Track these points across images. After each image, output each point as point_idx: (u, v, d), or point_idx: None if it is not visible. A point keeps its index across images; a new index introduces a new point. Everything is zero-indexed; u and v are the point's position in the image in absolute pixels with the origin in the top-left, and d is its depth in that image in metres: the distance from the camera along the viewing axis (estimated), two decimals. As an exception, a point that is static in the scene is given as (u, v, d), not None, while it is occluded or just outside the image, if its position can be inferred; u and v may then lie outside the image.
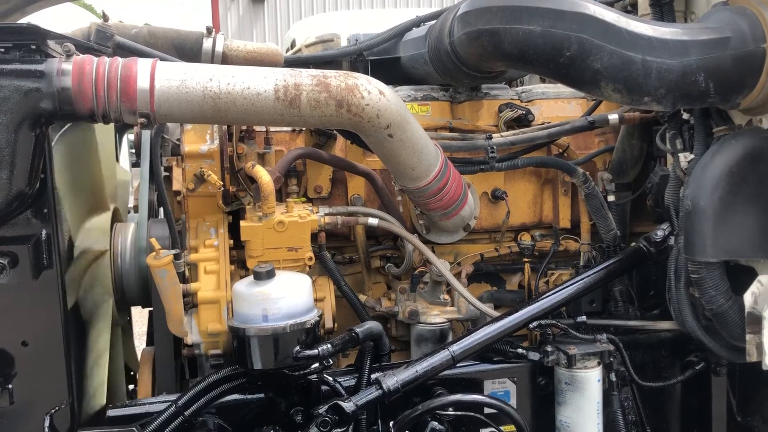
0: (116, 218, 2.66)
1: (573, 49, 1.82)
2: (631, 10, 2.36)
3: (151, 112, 1.79)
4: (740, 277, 1.98)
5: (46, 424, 1.84)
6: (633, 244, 2.39)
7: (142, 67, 1.79)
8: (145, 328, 3.08)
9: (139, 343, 3.26)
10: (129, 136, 3.39)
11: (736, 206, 1.91)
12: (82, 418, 2.01)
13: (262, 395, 1.99)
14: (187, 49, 2.32)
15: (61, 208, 1.98)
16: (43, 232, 1.85)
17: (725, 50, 1.82)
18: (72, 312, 2.07)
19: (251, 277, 1.93)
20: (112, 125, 2.88)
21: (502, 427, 2.07)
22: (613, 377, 2.16)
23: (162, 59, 1.91)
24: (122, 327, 2.63)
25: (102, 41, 2.02)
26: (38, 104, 1.70)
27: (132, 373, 2.85)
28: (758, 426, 2.43)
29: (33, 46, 1.73)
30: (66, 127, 2.11)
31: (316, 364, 1.91)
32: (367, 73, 2.25)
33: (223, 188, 2.21)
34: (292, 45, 3.65)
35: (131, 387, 2.80)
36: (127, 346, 2.79)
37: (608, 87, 1.85)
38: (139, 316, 3.40)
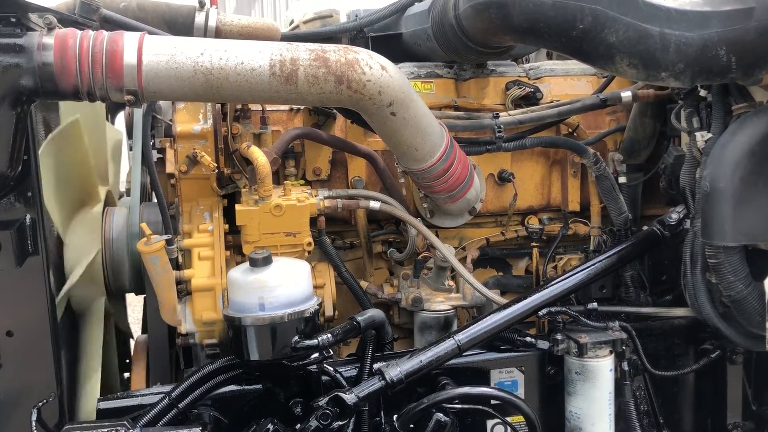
0: (109, 201, 2.58)
1: (586, 21, 1.74)
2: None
3: (139, 89, 1.69)
4: (758, 262, 1.91)
5: (34, 417, 1.77)
6: (645, 227, 2.31)
7: (128, 41, 1.69)
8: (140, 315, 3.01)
9: (135, 328, 3.19)
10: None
11: (757, 187, 1.83)
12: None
13: (260, 386, 1.92)
14: (179, 24, 2.22)
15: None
16: (27, 216, 1.77)
17: (749, 22, 1.72)
18: (60, 301, 1.99)
19: (247, 264, 1.85)
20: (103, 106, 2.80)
21: (510, 418, 2.00)
22: (625, 366, 2.08)
23: (151, 33, 1.81)
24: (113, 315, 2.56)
25: (87, 14, 1.91)
26: (18, 81, 1.61)
27: (127, 360, 2.78)
28: (774, 415, 2.36)
29: (12, 19, 1.63)
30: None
31: (316, 355, 1.83)
32: (367, 50, 2.16)
33: (217, 170, 2.13)
34: (291, 24, 3.56)
35: (126, 375, 2.73)
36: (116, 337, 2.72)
37: (623, 62, 1.76)
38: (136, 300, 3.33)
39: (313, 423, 1.77)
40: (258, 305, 1.80)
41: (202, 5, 2.24)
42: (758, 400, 2.35)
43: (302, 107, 2.35)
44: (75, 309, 2.26)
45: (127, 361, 2.79)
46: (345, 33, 2.59)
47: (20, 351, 1.80)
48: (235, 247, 2.23)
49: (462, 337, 1.99)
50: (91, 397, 2.07)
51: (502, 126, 2.35)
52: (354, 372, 1.95)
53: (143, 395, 1.93)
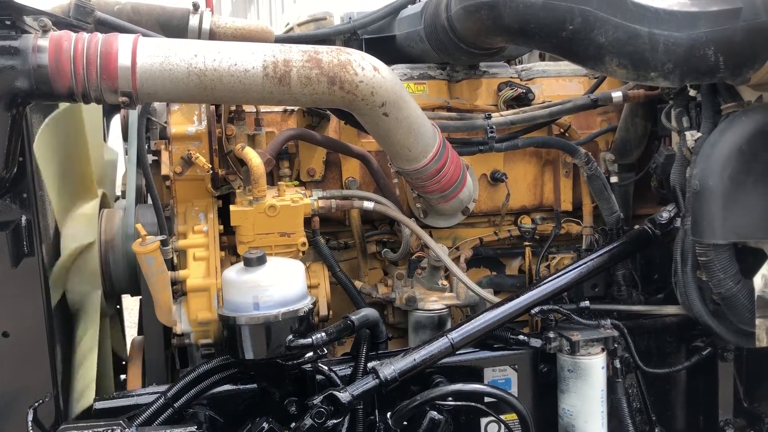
0: (104, 204, 2.59)
1: (576, 22, 1.76)
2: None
3: (134, 90, 1.70)
4: (748, 259, 1.93)
5: (30, 417, 1.77)
6: (636, 226, 2.32)
7: (123, 43, 1.70)
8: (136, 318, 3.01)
9: (131, 331, 3.19)
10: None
11: (746, 186, 1.85)
12: (69, 417, 1.95)
13: (255, 386, 1.93)
14: (172, 27, 2.23)
15: (44, 194, 1.90)
16: (23, 218, 1.77)
17: (736, 22, 1.74)
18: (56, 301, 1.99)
19: (241, 264, 1.86)
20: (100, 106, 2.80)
21: (503, 416, 2.01)
22: (617, 364, 2.10)
23: (145, 35, 1.82)
24: (110, 316, 2.56)
25: (82, 17, 1.92)
26: (13, 83, 1.63)
27: (123, 362, 2.78)
28: (766, 412, 2.38)
29: (8, 22, 1.65)
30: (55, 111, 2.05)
31: (310, 354, 1.84)
32: (361, 53, 2.17)
33: (211, 171, 2.14)
34: (286, 27, 3.57)
35: (122, 377, 2.73)
36: (116, 335, 2.72)
37: (613, 62, 1.79)
38: (132, 303, 3.34)
39: (308, 421, 1.78)
40: (252, 305, 1.80)
41: (196, 8, 2.25)
42: (749, 397, 2.37)
43: (296, 108, 2.37)
44: (70, 306, 2.26)
45: (123, 363, 2.79)
46: (339, 35, 2.59)
47: (16, 351, 1.81)
48: (229, 248, 2.24)
49: (455, 335, 2.00)
50: (86, 396, 2.06)
51: (494, 126, 2.36)
52: (348, 371, 1.96)
53: (139, 395, 1.94)
